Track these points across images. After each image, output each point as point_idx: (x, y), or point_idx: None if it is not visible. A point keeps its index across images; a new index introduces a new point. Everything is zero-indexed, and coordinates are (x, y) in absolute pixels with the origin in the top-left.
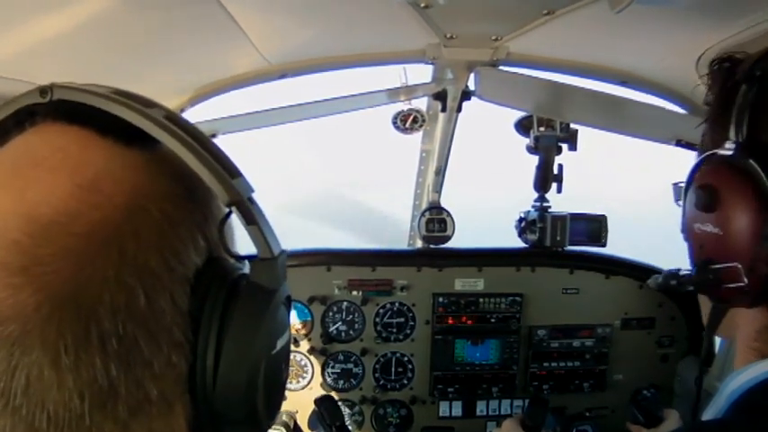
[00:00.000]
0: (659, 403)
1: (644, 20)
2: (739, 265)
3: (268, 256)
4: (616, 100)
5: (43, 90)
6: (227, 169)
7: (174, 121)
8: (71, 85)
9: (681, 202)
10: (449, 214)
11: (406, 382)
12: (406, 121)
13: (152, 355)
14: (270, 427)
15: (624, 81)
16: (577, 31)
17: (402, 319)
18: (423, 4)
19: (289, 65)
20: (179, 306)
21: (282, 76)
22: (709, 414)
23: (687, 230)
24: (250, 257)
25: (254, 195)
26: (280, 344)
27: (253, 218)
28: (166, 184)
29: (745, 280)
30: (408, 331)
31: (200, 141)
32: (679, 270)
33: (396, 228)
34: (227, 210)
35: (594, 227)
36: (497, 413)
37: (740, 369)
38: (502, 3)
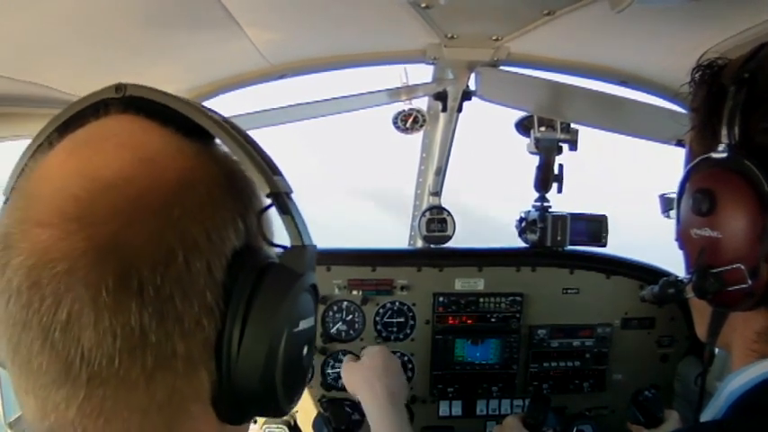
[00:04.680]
0: (660, 403)
1: (645, 20)
2: (742, 267)
3: (299, 245)
4: (616, 100)
5: (118, 87)
6: (269, 167)
7: (228, 122)
8: (142, 85)
9: (668, 214)
10: (449, 214)
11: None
12: (406, 121)
13: (184, 311)
14: (288, 413)
15: (625, 81)
16: (578, 31)
17: (402, 319)
18: (423, 4)
19: (289, 65)
20: (214, 275)
21: (282, 76)
22: (708, 415)
23: (683, 237)
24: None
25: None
26: (303, 325)
27: (289, 210)
28: (214, 172)
29: (749, 281)
30: (408, 331)
31: (250, 142)
32: (676, 278)
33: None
34: (266, 203)
35: (595, 227)
36: (497, 413)
37: (739, 370)
38: (502, 3)
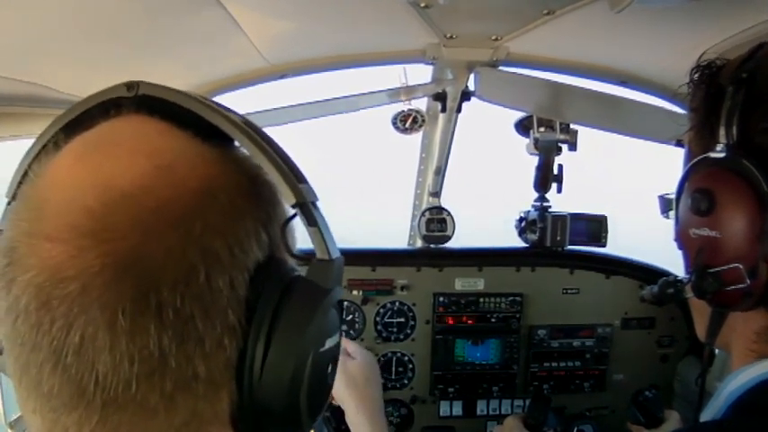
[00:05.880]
0: (660, 404)
1: (644, 20)
2: (741, 267)
3: (325, 258)
4: (616, 100)
5: (130, 85)
6: (295, 174)
7: (249, 125)
8: (155, 84)
9: (667, 214)
10: (449, 214)
11: (406, 381)
12: (405, 122)
13: (205, 332)
14: (310, 429)
15: (624, 81)
16: (578, 31)
17: (402, 319)
18: (423, 4)
19: (289, 65)
20: (237, 291)
21: (283, 77)
22: (707, 415)
23: (682, 237)
24: (308, 257)
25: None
26: (329, 344)
27: (315, 220)
28: (237, 179)
29: (748, 281)
30: (409, 331)
31: (273, 147)
32: (676, 278)
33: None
34: (291, 212)
35: (595, 227)
36: (498, 412)
37: (738, 370)
38: (502, 2)
